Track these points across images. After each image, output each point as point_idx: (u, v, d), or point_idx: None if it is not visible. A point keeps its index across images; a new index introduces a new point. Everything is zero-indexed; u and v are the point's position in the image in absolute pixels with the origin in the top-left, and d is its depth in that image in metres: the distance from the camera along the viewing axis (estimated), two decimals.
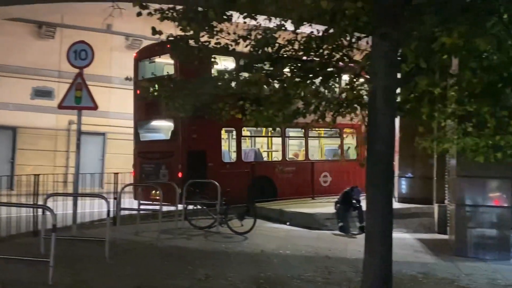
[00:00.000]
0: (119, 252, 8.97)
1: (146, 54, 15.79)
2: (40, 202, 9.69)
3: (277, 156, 17.59)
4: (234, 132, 16.13)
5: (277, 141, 17.35)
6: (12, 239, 10.04)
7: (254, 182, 15.42)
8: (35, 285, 6.98)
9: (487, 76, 6.38)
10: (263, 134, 17.36)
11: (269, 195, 15.56)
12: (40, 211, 9.31)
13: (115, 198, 11.41)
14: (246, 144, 17.50)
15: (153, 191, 12.79)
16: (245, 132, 16.35)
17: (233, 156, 16.22)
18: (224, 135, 16.19)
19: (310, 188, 16.32)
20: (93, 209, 11.68)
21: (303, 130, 16.65)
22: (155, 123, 16.34)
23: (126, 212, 12.10)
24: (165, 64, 15.35)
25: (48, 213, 7.49)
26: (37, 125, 20.85)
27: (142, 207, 12.01)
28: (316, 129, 17.49)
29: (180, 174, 14.19)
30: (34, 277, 7.16)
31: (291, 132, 17.46)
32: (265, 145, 18.37)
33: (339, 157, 17.79)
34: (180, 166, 14.41)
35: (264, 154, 17.83)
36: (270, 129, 16.56)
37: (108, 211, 8.81)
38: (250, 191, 14.88)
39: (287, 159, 17.10)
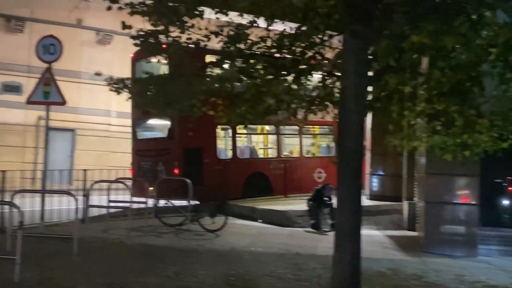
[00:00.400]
0: (88, 250, 8.83)
1: (143, 54, 15.65)
2: (7, 199, 9.49)
3: (272, 153, 17.72)
4: (230, 130, 16.17)
5: (272, 138, 17.51)
6: None
7: (249, 178, 15.60)
8: (1, 282, 6.83)
9: (455, 75, 6.48)
10: (258, 132, 17.47)
11: (263, 192, 15.67)
12: (7, 208, 9.12)
13: (84, 195, 11.25)
14: (241, 141, 17.53)
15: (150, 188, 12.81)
16: (240, 129, 16.37)
17: (229, 153, 16.28)
18: (219, 132, 16.28)
19: (304, 184, 16.24)
20: (61, 206, 11.49)
21: (297, 128, 16.76)
22: (152, 121, 16.43)
23: (96, 210, 11.93)
24: (162, 64, 15.30)
25: (15, 210, 7.34)
26: (5, 121, 20.47)
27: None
28: (311, 126, 17.62)
29: (176, 171, 14.28)
30: (0, 275, 7.01)
31: (286, 130, 17.52)
32: (260, 143, 18.54)
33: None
34: (176, 163, 14.55)
35: (260, 151, 18.01)
36: (266, 126, 16.88)
37: (77, 208, 8.69)
38: (244, 187, 15.15)
39: (282, 156, 17.18)
